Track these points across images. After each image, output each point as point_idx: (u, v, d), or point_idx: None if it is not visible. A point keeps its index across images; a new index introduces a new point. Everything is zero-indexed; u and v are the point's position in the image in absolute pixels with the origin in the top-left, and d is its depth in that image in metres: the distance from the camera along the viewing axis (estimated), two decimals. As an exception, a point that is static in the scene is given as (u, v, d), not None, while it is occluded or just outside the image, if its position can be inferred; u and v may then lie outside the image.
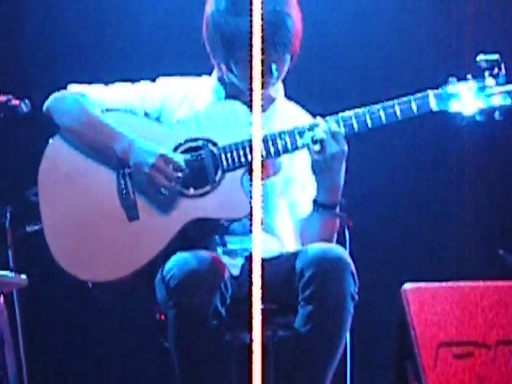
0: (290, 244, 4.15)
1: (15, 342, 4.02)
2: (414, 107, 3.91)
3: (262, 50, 3.42)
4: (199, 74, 4.29)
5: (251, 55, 2.99)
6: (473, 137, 4.08)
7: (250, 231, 4.07)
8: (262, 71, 3.18)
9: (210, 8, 4.08)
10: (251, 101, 3.08)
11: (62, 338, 5.34)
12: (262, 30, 3.39)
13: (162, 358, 3.90)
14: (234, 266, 3.97)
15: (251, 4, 3.25)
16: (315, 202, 4.04)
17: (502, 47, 4.03)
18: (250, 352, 3.27)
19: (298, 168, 4.17)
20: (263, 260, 3.76)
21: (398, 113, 3.88)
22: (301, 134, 3.94)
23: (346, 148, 3.86)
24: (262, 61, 3.29)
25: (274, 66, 4.03)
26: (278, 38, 3.97)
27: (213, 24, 4.06)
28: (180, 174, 3.95)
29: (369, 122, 3.89)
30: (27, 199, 4.17)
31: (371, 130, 3.90)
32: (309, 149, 3.89)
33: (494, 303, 2.90)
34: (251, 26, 3.10)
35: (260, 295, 2.81)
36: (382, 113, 3.88)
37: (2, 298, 3.01)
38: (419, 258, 4.77)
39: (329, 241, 4.02)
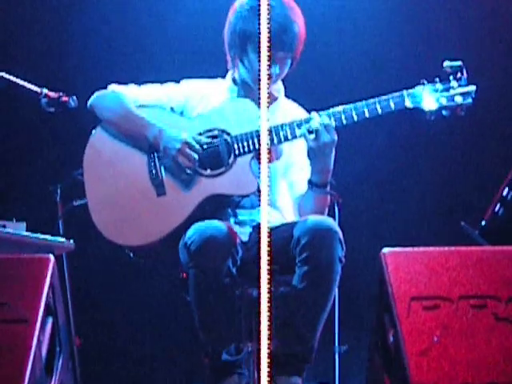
0: (289, 216, 4.18)
1: (64, 297, 4.02)
2: (392, 104, 3.93)
3: (270, 47, 3.53)
4: (214, 77, 4.31)
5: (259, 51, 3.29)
6: (440, 128, 4.08)
7: (257, 205, 4.12)
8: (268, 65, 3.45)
9: (233, 12, 4.18)
10: (259, 98, 3.24)
11: (103, 294, 5.34)
12: (279, 28, 3.92)
13: (184, 309, 3.91)
14: (243, 233, 3.99)
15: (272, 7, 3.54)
16: (310, 181, 4.06)
17: (464, 55, 4.03)
18: (259, 305, 3.32)
19: (296, 154, 4.20)
20: (269, 229, 3.80)
21: (379, 109, 3.91)
22: (299, 125, 3.97)
23: (335, 137, 3.89)
24: (269, 57, 3.51)
25: (278, 63, 4.12)
26: (285, 39, 4.03)
27: (234, 23, 4.15)
28: (197, 157, 4.00)
29: (355, 116, 3.92)
30: (74, 178, 4.19)
31: (357, 123, 3.92)
32: (305, 138, 3.92)
33: (457, 265, 2.91)
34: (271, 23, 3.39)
35: (267, 259, 2.86)
36: (365, 109, 3.92)
37: (53, 258, 3.01)
38: (396, 229, 4.74)
39: (321, 213, 4.04)
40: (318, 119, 3.91)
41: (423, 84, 3.97)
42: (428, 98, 3.96)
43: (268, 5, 3.35)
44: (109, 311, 5.39)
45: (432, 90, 3.96)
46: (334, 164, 4.01)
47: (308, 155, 3.99)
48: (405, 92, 3.95)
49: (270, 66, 3.88)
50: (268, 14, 3.52)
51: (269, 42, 3.26)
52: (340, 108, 3.94)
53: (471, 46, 5.41)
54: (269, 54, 3.60)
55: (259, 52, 3.83)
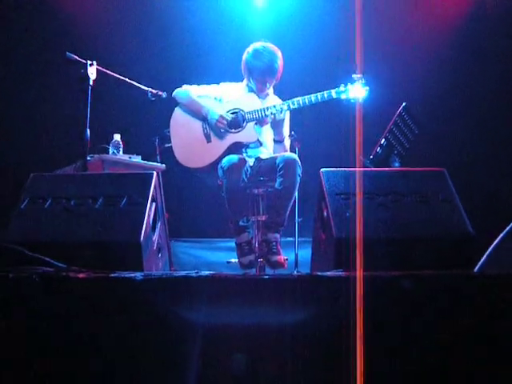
0: (273, 152, 4.12)
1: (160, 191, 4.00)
2: (326, 95, 3.87)
3: (264, 76, 3.86)
4: (238, 81, 4.24)
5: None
6: (351, 109, 4.01)
7: (257, 147, 4.09)
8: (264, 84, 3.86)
9: (245, 54, 4.07)
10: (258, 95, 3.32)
11: (176, 188, 5.24)
12: (266, 68, 3.90)
13: (221, 199, 3.89)
14: (250, 161, 3.96)
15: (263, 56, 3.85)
16: (274, 139, 4.11)
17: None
18: (259, 196, 3.29)
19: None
20: (263, 159, 3.80)
21: (320, 97, 3.85)
22: (268, 108, 3.92)
23: (284, 116, 3.93)
24: (264, 81, 3.84)
25: (268, 83, 4.05)
26: (272, 72, 3.99)
27: (246, 62, 4.06)
28: (226, 123, 3.94)
29: (309, 101, 3.87)
30: (165, 133, 4.15)
31: (313, 104, 3.88)
32: (269, 117, 3.94)
33: (359, 177, 2.89)
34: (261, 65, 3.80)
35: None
36: (314, 97, 3.86)
37: (155, 173, 2.99)
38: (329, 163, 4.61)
39: (285, 152, 4.04)
40: (283, 106, 3.90)
41: (341, 86, 3.90)
42: (344, 92, 3.90)
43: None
44: (176, 196, 5.27)
45: (348, 88, 3.90)
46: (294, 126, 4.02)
47: (270, 125, 4.04)
48: (332, 90, 3.89)
49: (265, 84, 4.02)
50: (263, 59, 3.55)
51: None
52: (301, 97, 3.89)
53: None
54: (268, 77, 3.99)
55: (255, 79, 4.03)
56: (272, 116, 3.90)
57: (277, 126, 3.98)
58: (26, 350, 1.84)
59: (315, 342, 1.87)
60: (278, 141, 4.06)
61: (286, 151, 4.06)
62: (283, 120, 3.95)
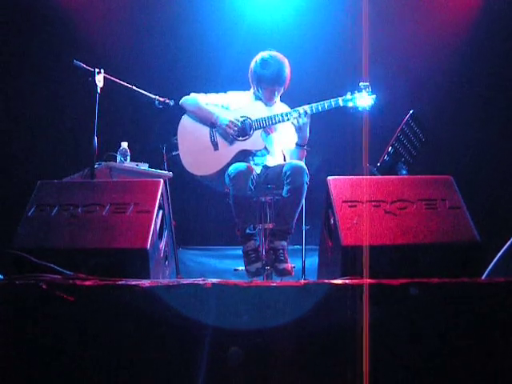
0: (280, 160, 4.12)
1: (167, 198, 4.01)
2: (333, 103, 3.87)
3: (272, 85, 3.89)
4: (245, 89, 4.24)
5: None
6: (358, 117, 4.02)
7: (264, 155, 4.10)
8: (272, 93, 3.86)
9: (253, 62, 4.06)
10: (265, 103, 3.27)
11: (182, 196, 5.28)
12: (274, 77, 3.94)
13: (228, 206, 3.89)
14: (257, 169, 3.96)
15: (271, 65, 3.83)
16: (296, 143, 4.04)
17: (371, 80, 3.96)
18: (266, 204, 3.27)
19: (285, 129, 4.13)
20: (270, 167, 3.80)
21: (327, 106, 3.85)
22: (287, 114, 3.94)
23: (308, 120, 3.88)
24: (273, 89, 3.90)
25: (276, 92, 4.06)
26: (280, 81, 4.00)
27: (253, 71, 4.06)
28: (236, 129, 3.95)
29: (316, 109, 3.86)
30: (172, 141, 4.16)
31: (320, 112, 3.88)
32: (292, 121, 3.91)
33: (365, 184, 2.87)
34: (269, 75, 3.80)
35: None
36: (321, 105, 3.86)
37: (162, 181, 3.00)
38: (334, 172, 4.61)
39: (300, 159, 4.02)
40: (301, 110, 3.88)
41: (348, 94, 3.90)
42: (352, 100, 3.90)
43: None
44: (183, 203, 5.31)
45: (355, 96, 3.91)
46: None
47: (295, 130, 3.97)
48: (340, 98, 3.90)
49: (274, 92, 4.07)
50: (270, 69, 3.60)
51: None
52: (309, 105, 3.89)
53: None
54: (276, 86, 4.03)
55: (264, 88, 4.05)
56: (295, 120, 3.90)
57: (300, 130, 3.96)
58: (32, 357, 1.84)
59: (322, 349, 1.86)
60: (301, 145, 4.04)
61: (301, 159, 4.07)
62: (306, 124, 3.93)
